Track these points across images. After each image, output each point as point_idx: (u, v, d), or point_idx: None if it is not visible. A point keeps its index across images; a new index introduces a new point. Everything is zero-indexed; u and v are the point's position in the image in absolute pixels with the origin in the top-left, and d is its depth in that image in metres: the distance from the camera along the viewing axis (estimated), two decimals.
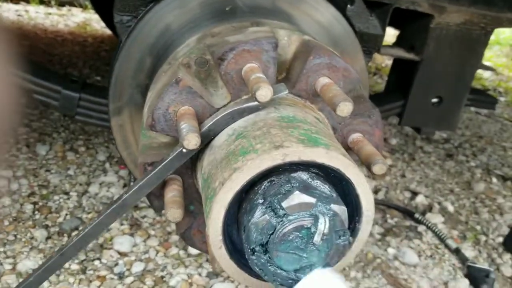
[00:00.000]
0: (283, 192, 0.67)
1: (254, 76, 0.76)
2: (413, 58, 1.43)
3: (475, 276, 1.54)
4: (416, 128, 1.62)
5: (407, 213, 1.86)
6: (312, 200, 0.66)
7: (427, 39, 1.39)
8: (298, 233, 0.67)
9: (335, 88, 0.79)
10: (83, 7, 3.95)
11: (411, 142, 2.61)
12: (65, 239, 1.48)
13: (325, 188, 0.69)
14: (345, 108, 0.75)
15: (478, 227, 1.88)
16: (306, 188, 0.67)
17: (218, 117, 0.79)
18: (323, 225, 0.67)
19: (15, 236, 1.46)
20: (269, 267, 0.69)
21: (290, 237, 0.67)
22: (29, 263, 1.35)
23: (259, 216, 0.67)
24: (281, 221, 0.66)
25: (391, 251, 1.64)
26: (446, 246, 1.71)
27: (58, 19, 3.71)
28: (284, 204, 0.66)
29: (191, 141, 0.73)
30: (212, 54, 0.82)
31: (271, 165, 0.68)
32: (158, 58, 1.04)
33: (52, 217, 1.57)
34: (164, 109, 0.82)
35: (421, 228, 1.79)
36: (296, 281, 0.69)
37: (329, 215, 0.67)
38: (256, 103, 0.77)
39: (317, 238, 0.67)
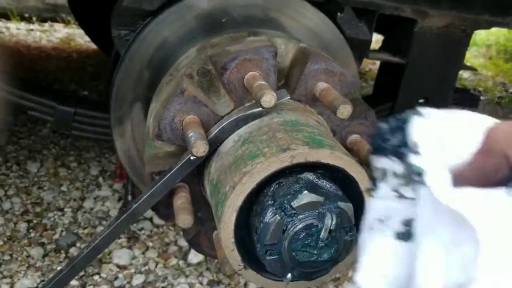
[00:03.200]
0: (292, 192, 0.69)
1: (257, 83, 0.79)
2: (398, 61, 1.49)
3: None
4: None
5: None
6: (320, 198, 0.69)
7: (411, 43, 1.45)
8: (308, 231, 0.69)
9: (333, 92, 0.83)
10: (66, 22, 3.93)
11: None
12: (63, 255, 1.47)
13: (331, 187, 0.72)
14: (345, 110, 0.79)
15: None
16: (313, 188, 0.70)
17: (223, 124, 0.81)
18: (331, 221, 0.70)
19: (10, 255, 1.44)
20: (281, 266, 0.71)
21: (301, 236, 0.69)
22: (27, 281, 1.34)
23: (271, 217, 0.69)
24: (292, 220, 0.69)
25: None
26: None
27: (41, 35, 3.68)
28: (294, 203, 0.69)
29: (200, 148, 0.75)
30: (214, 64, 0.84)
31: (280, 167, 0.71)
32: (157, 70, 1.06)
33: (47, 234, 1.55)
34: (170, 118, 0.84)
35: None
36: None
37: (336, 212, 0.70)
38: (260, 109, 0.80)
39: (324, 234, 0.70)
